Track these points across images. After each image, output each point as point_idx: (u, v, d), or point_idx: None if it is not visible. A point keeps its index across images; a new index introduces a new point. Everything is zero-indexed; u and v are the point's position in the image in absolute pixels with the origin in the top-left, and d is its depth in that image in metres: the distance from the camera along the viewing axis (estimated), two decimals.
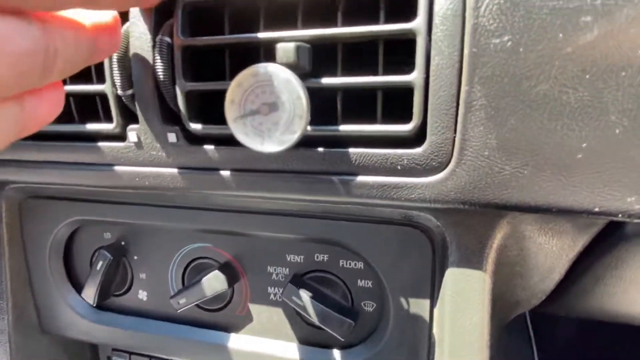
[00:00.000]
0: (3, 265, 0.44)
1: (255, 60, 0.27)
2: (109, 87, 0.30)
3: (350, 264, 0.35)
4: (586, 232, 0.30)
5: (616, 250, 0.31)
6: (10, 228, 0.43)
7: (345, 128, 0.26)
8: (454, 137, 0.24)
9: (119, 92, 0.30)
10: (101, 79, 0.30)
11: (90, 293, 0.42)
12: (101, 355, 0.51)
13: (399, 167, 0.26)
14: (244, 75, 0.23)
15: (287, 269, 0.37)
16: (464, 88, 0.23)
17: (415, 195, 0.26)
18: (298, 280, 0.36)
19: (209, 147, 0.29)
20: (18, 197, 0.42)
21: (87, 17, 0.20)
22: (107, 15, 0.21)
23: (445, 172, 0.25)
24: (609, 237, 0.30)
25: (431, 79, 0.24)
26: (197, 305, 0.40)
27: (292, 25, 0.26)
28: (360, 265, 0.35)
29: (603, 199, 0.23)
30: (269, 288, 0.38)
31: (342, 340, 0.34)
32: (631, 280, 0.35)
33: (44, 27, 0.17)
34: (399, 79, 0.24)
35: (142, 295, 0.43)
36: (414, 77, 0.24)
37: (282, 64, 0.23)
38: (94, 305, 0.43)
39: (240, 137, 0.24)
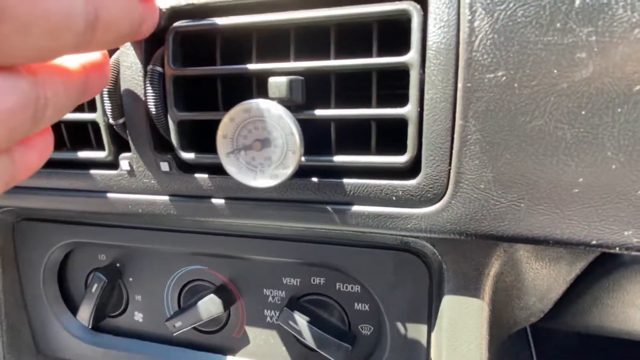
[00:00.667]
0: None
1: (248, 88, 0.27)
2: (100, 116, 0.29)
3: (346, 287, 0.35)
4: (583, 258, 0.29)
5: (613, 275, 0.31)
6: (3, 250, 0.43)
7: (340, 159, 0.25)
8: (449, 169, 0.24)
9: (111, 121, 0.29)
10: (92, 108, 0.30)
11: (85, 315, 0.41)
12: None
13: (394, 198, 0.25)
14: (237, 111, 0.23)
15: (284, 292, 0.37)
16: (458, 122, 0.23)
17: (410, 226, 0.26)
18: (294, 303, 0.35)
19: (202, 176, 0.29)
20: (11, 220, 0.42)
21: (75, 58, 0.20)
22: (96, 53, 0.21)
23: (440, 204, 0.25)
24: (606, 263, 0.30)
25: (425, 112, 0.23)
26: (194, 328, 0.39)
27: (285, 54, 0.25)
28: (357, 288, 0.35)
29: (600, 232, 0.23)
30: (265, 310, 0.38)
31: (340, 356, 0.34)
32: (628, 302, 0.35)
33: (33, 79, 0.16)
34: (393, 112, 0.24)
35: (138, 317, 0.42)
36: (408, 110, 0.23)
37: (274, 98, 0.23)
38: (90, 327, 0.43)
39: (232, 171, 0.24)
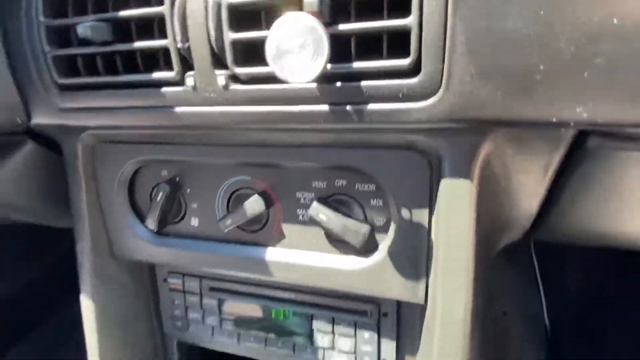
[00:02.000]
0: (81, 201, 0.54)
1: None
2: (171, 42, 0.38)
3: (364, 187, 0.43)
4: (556, 150, 0.36)
5: (583, 167, 0.37)
6: (85, 170, 0.52)
7: (358, 65, 0.33)
8: (442, 67, 0.31)
9: (179, 45, 0.37)
10: (163, 36, 0.38)
11: (151, 221, 0.51)
12: (158, 278, 0.61)
13: (400, 95, 0.33)
14: (279, 23, 0.31)
15: (313, 194, 0.45)
16: (449, 28, 0.30)
17: (414, 118, 0.33)
18: (322, 201, 0.44)
19: (252, 87, 0.37)
20: (92, 142, 0.51)
21: None
22: None
23: (436, 97, 0.32)
24: (575, 154, 0.36)
25: (424, 21, 0.30)
26: (240, 228, 0.48)
27: None
28: (372, 187, 0.43)
29: (558, 110, 0.29)
30: (298, 210, 0.46)
31: (359, 248, 0.42)
32: (600, 197, 0.41)
33: None
34: (399, 22, 0.31)
35: (194, 222, 0.52)
36: (410, 20, 0.30)
37: (308, 12, 0.31)
38: (155, 231, 0.52)
39: (278, 72, 0.32)
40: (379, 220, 0.43)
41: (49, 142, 0.55)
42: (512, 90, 0.30)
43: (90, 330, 0.57)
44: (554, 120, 0.30)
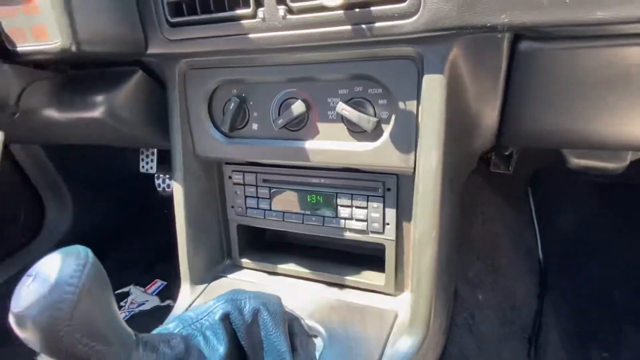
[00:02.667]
0: (176, 114, 0.75)
1: None
2: None
3: (374, 91, 0.62)
4: (500, 54, 0.54)
5: (522, 71, 0.55)
6: (180, 89, 0.74)
7: None
8: None
9: None
10: None
11: (225, 126, 0.72)
12: (225, 176, 0.83)
13: (395, 15, 0.52)
14: None
15: (339, 98, 0.64)
16: None
17: (404, 30, 0.52)
18: (345, 102, 0.63)
19: (301, 16, 0.57)
20: (185, 69, 0.73)
21: None
22: None
23: (417, 15, 0.51)
24: (515, 59, 0.54)
25: None
26: (287, 128, 0.69)
27: None
28: (380, 90, 0.62)
29: (491, 18, 0.48)
30: (328, 112, 0.66)
31: (370, 133, 0.62)
32: (542, 98, 0.59)
33: None
34: None
35: (255, 126, 0.72)
36: None
37: None
38: (227, 134, 0.74)
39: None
40: (384, 114, 0.62)
41: (152, 73, 0.77)
42: (462, 7, 0.48)
43: (179, 214, 0.79)
44: (488, 24, 0.48)
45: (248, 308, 0.57)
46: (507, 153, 1.00)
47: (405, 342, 0.62)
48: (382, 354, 0.60)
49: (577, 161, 0.99)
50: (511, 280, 1.10)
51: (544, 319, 1.05)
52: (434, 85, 0.55)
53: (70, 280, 0.37)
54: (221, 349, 0.53)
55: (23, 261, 1.33)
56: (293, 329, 0.63)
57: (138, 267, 1.40)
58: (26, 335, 0.37)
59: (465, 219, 0.97)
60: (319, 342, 0.65)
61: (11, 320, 0.36)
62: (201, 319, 0.54)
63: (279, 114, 0.69)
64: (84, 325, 0.38)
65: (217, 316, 0.55)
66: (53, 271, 0.37)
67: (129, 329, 0.43)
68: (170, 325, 0.52)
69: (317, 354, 0.63)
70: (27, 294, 0.36)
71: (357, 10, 0.53)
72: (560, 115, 0.62)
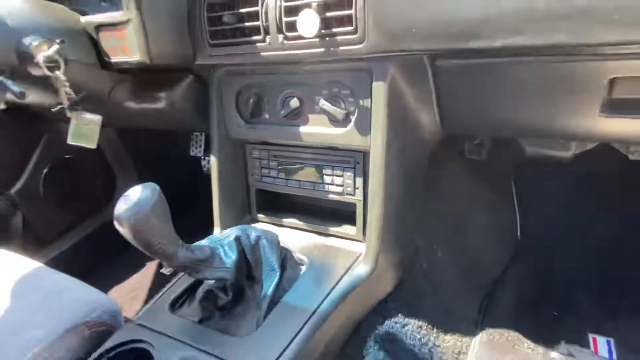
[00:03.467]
0: (214, 108, 1.06)
1: None
2: (260, 23, 0.87)
3: (344, 92, 0.88)
4: (425, 70, 0.79)
5: (446, 81, 0.79)
6: (217, 90, 1.05)
7: (334, 30, 0.79)
8: (365, 33, 0.75)
9: (264, 24, 0.86)
10: (255, 20, 0.87)
11: (247, 115, 1.02)
12: (247, 153, 1.13)
13: (350, 42, 0.78)
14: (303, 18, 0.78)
15: (322, 97, 0.91)
16: (366, 14, 0.74)
17: (356, 52, 0.78)
18: (325, 99, 0.90)
19: (294, 41, 0.85)
20: (221, 75, 1.03)
21: None
22: None
23: (364, 43, 0.77)
24: (437, 73, 0.79)
25: (357, 14, 0.75)
26: (288, 117, 0.97)
27: None
28: (348, 92, 0.88)
29: (410, 46, 0.73)
30: (314, 106, 0.93)
31: (341, 121, 0.88)
32: (465, 100, 0.82)
33: None
34: (347, 13, 0.76)
35: (267, 115, 1.01)
36: (353, 11, 0.76)
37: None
38: (248, 121, 1.03)
39: (302, 33, 0.79)
40: (351, 108, 0.88)
41: (199, 77, 1.09)
42: (391, 39, 0.74)
43: (214, 180, 1.10)
44: (407, 50, 0.73)
45: (253, 235, 0.87)
46: (476, 142, 1.22)
47: (358, 271, 0.89)
48: (341, 277, 0.87)
49: (531, 149, 1.20)
50: (482, 249, 1.31)
51: (505, 283, 1.26)
52: (379, 90, 0.81)
53: (146, 199, 0.68)
54: (233, 257, 0.83)
55: (101, 220, 1.72)
56: (286, 256, 0.92)
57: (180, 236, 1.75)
58: (122, 230, 0.68)
59: (439, 192, 1.20)
60: (303, 268, 0.94)
61: (115, 220, 0.68)
62: (222, 238, 0.85)
63: (282, 107, 0.98)
64: (153, 227, 0.68)
65: (231, 237, 0.85)
66: (137, 194, 0.68)
67: (177, 236, 0.73)
68: (202, 241, 0.84)
69: (300, 273, 0.91)
70: (122, 205, 0.68)
71: (326, 39, 0.80)
72: (479, 110, 0.85)
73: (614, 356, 1.11)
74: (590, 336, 1.17)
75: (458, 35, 0.68)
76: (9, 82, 0.91)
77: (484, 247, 1.32)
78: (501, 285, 1.24)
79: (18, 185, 1.52)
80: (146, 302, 0.99)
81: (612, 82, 0.67)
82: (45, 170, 1.59)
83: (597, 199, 1.43)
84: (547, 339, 1.12)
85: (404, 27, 0.72)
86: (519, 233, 1.47)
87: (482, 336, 1.08)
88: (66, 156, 1.66)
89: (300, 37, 0.82)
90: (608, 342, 1.15)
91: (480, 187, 1.40)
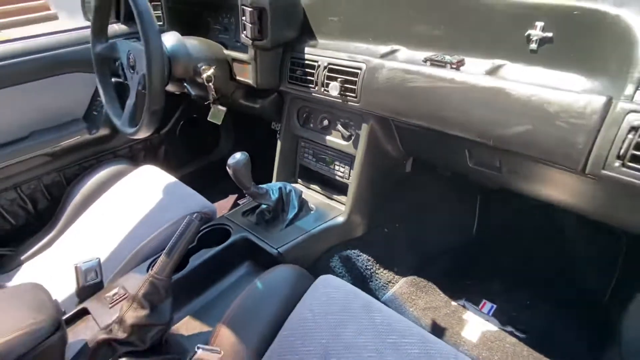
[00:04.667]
0: (285, 113, 1.86)
1: None
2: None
3: (350, 123, 1.62)
4: (389, 125, 1.50)
5: (400, 128, 1.50)
6: (290, 105, 1.84)
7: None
8: (360, 98, 1.49)
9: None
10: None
11: (301, 122, 1.81)
12: (299, 143, 1.92)
13: (353, 101, 1.52)
14: None
15: (339, 122, 1.66)
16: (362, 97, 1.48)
17: (357, 108, 1.52)
18: (341, 124, 1.65)
19: (329, 91, 1.60)
20: (291, 97, 1.82)
21: None
22: None
23: (359, 104, 1.50)
24: (395, 126, 1.49)
25: (358, 93, 1.49)
26: (322, 130, 1.74)
27: None
28: (353, 123, 1.62)
29: (377, 111, 1.45)
30: (337, 127, 1.69)
31: (347, 137, 1.63)
32: (410, 136, 1.52)
33: None
34: (352, 78, 1.50)
35: (311, 125, 1.79)
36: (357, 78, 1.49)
37: None
38: (301, 125, 1.83)
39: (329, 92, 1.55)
40: (353, 132, 1.63)
41: (281, 96, 1.89)
42: (368, 105, 1.46)
43: (277, 154, 1.93)
44: (374, 112, 1.45)
45: (288, 188, 1.71)
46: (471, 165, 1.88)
47: (338, 219, 1.66)
48: (329, 220, 1.66)
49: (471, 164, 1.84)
50: (435, 233, 1.99)
51: (443, 257, 1.94)
52: (364, 128, 1.55)
53: (241, 159, 1.53)
54: (276, 196, 1.67)
55: (209, 159, 2.66)
56: (303, 203, 1.75)
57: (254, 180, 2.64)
58: (229, 170, 1.54)
59: (413, 191, 1.90)
60: (311, 212, 1.73)
61: (227, 165, 1.53)
62: (273, 186, 1.70)
63: (319, 123, 1.75)
64: (241, 172, 1.53)
65: (277, 186, 1.71)
66: (237, 156, 1.54)
67: (251, 179, 1.58)
68: (263, 185, 1.69)
69: (309, 213, 1.71)
70: (231, 159, 1.53)
71: (342, 96, 1.54)
72: (425, 149, 1.55)
73: (490, 314, 1.77)
74: (483, 300, 1.83)
75: (402, 114, 1.39)
76: (187, 85, 1.79)
77: (437, 232, 2.00)
78: (439, 257, 1.93)
79: (164, 130, 2.49)
80: (230, 210, 1.86)
81: (470, 151, 1.34)
82: (181, 123, 2.55)
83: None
84: (454, 296, 1.80)
85: (377, 103, 1.44)
86: (474, 229, 2.11)
87: (409, 279, 1.81)
88: (194, 116, 2.60)
89: (329, 91, 1.57)
90: (492, 306, 1.81)
91: (449, 193, 2.06)
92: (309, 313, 0.83)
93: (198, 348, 0.83)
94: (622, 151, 0.93)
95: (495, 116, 1.11)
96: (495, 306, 1.81)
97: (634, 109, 0.92)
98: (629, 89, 0.96)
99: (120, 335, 0.89)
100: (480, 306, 1.82)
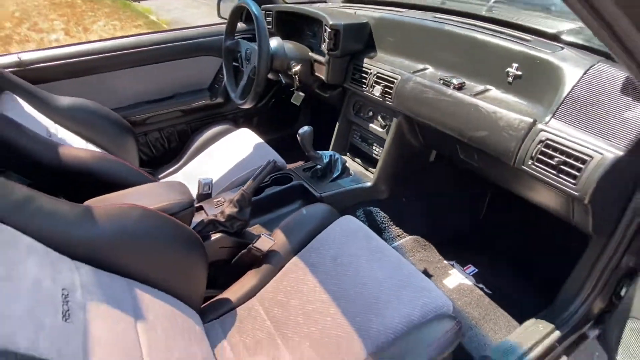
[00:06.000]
0: (344, 104, 2.54)
1: None
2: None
3: (387, 116, 2.26)
4: (412, 121, 2.11)
5: (420, 125, 2.10)
6: (348, 97, 2.52)
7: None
8: (394, 99, 2.11)
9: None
10: None
11: (355, 111, 2.49)
12: (352, 127, 2.59)
13: (390, 103, 2.15)
14: None
15: (379, 114, 2.30)
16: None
17: (391, 105, 2.15)
18: (380, 116, 2.29)
19: (375, 92, 2.25)
20: (350, 92, 2.49)
21: None
22: None
23: (393, 103, 2.13)
24: (416, 122, 2.10)
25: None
26: (368, 118, 2.39)
27: None
28: (388, 116, 2.25)
29: (404, 111, 2.07)
30: (376, 118, 2.33)
31: (383, 126, 2.27)
32: (430, 133, 2.12)
33: None
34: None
35: (361, 115, 2.45)
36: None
37: None
38: (355, 114, 2.50)
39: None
40: (387, 122, 2.26)
41: (344, 89, 2.57)
42: (400, 106, 2.08)
43: (336, 131, 2.62)
44: (405, 112, 2.07)
45: (336, 156, 2.45)
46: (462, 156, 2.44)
47: (367, 182, 2.33)
48: (360, 183, 2.33)
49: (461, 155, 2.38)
50: (445, 211, 2.55)
51: (452, 225, 2.51)
52: (394, 122, 2.18)
53: (307, 131, 2.25)
54: (327, 160, 2.39)
55: (288, 132, 3.43)
56: (345, 168, 2.46)
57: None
58: (299, 137, 2.27)
59: (432, 177, 2.49)
60: (350, 175, 2.42)
61: (297, 134, 2.26)
62: (326, 153, 2.43)
63: (367, 113, 2.40)
64: (307, 140, 2.26)
65: (329, 153, 2.42)
66: (305, 128, 2.26)
67: (312, 147, 2.31)
68: (319, 152, 2.42)
69: (348, 176, 2.39)
70: (300, 130, 2.26)
71: (382, 96, 2.18)
72: (439, 143, 2.14)
73: (471, 274, 2.32)
74: (470, 264, 2.38)
75: (419, 115, 1.99)
76: (281, 75, 2.55)
77: (447, 213, 2.56)
78: (445, 230, 2.50)
79: (260, 104, 3.31)
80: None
81: (459, 146, 1.92)
82: (272, 101, 3.35)
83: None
84: (447, 257, 2.38)
85: (404, 105, 2.05)
86: (480, 218, 2.63)
87: (415, 237, 2.42)
88: (282, 97, 3.39)
89: (373, 93, 2.20)
90: (474, 270, 2.35)
91: (464, 185, 2.60)
92: (331, 235, 1.48)
93: (261, 234, 1.56)
94: (533, 154, 1.49)
95: (469, 122, 1.70)
96: (477, 270, 2.35)
97: (544, 129, 1.48)
98: (548, 116, 1.51)
99: (220, 219, 1.67)
100: (465, 268, 2.37)
